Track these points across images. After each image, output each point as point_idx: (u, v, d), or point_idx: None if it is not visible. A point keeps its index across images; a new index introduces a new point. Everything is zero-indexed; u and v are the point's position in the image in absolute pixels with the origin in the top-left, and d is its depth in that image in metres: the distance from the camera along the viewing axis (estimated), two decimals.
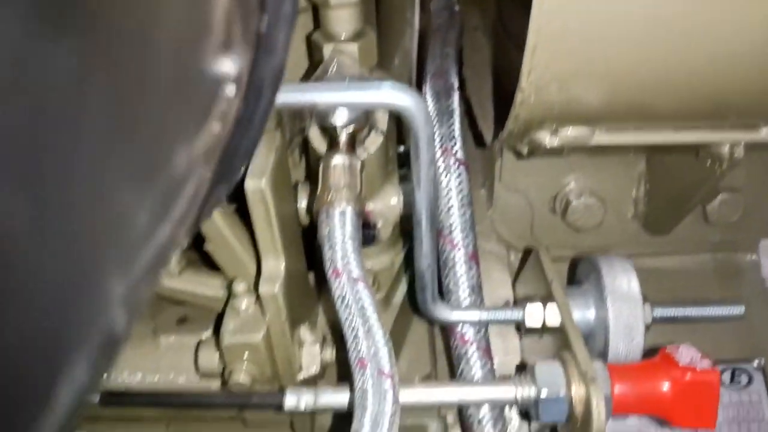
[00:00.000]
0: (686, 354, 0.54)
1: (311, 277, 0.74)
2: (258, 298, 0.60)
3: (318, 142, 0.60)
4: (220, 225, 0.61)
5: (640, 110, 0.54)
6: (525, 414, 0.62)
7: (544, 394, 0.52)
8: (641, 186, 0.79)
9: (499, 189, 0.81)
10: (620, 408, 0.54)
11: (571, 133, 0.55)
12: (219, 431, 0.74)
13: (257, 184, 0.53)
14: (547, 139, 0.55)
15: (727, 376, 0.78)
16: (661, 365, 0.54)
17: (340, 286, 0.54)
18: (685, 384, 0.52)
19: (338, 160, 0.57)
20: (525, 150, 0.62)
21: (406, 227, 0.77)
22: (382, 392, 0.48)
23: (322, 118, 0.56)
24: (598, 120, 0.55)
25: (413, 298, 0.79)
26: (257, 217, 0.55)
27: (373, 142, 0.61)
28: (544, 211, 0.81)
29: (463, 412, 0.65)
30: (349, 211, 0.55)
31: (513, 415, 0.68)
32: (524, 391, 0.54)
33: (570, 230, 0.79)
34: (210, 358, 0.63)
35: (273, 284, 0.57)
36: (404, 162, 0.71)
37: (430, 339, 0.80)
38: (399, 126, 0.70)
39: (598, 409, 0.49)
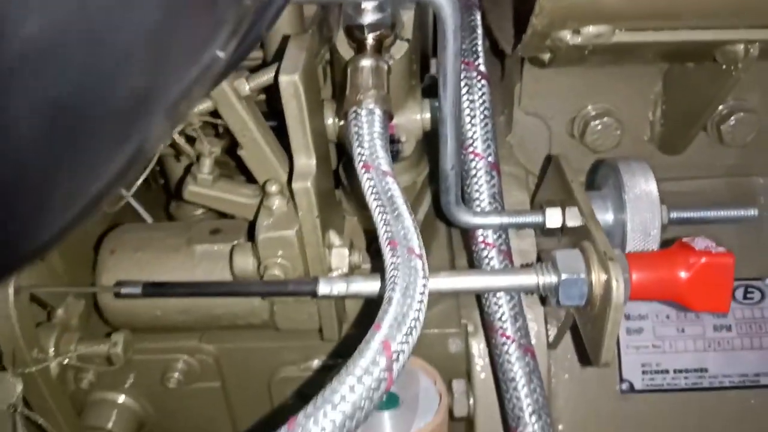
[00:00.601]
0: (702, 242, 0.56)
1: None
2: (290, 197, 0.63)
3: (345, 48, 0.62)
4: (254, 130, 0.64)
5: (659, 8, 0.56)
6: (544, 301, 0.65)
7: (564, 277, 0.55)
8: (657, 108, 0.81)
9: (518, 113, 0.83)
10: (637, 294, 0.56)
11: (592, 30, 0.57)
12: (251, 340, 0.77)
13: (291, 78, 0.56)
14: (568, 36, 0.57)
15: (740, 293, 0.81)
16: (677, 252, 0.56)
17: (370, 179, 0.56)
18: (701, 266, 0.55)
19: (366, 62, 0.59)
20: (546, 56, 0.64)
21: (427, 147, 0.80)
22: (412, 268, 0.50)
23: (349, 17, 0.59)
24: (619, 19, 0.57)
25: (437, 212, 0.82)
26: (290, 113, 0.58)
27: (399, 49, 0.63)
28: (563, 135, 0.83)
29: (484, 317, 0.68)
30: (378, 110, 0.57)
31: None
32: (545, 278, 0.57)
33: (587, 152, 0.81)
34: (244, 260, 0.66)
35: (305, 179, 0.60)
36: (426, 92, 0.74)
37: (450, 256, 0.83)
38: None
39: (618, 286, 0.51)
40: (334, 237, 0.67)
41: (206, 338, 0.78)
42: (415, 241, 0.52)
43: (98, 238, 0.77)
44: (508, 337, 0.64)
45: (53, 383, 0.68)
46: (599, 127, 0.80)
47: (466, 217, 0.66)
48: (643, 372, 0.78)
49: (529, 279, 0.57)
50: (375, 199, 0.55)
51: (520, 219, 0.66)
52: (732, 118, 0.79)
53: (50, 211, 0.29)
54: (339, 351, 0.78)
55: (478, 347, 0.75)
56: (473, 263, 0.71)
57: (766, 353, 0.78)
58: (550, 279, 0.56)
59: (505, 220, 0.66)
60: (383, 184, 0.56)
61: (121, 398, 0.79)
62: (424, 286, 0.50)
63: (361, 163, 0.58)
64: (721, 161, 0.84)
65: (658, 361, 0.78)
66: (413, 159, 0.78)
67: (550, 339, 0.75)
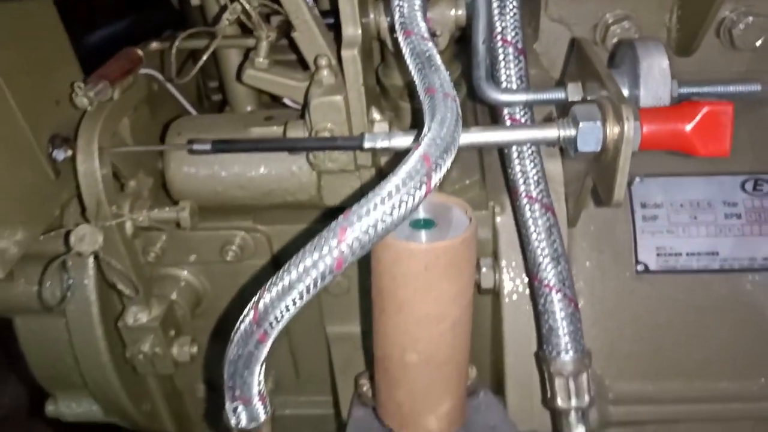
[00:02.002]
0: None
1: None
2: (338, 71, 0.71)
3: None
4: (306, 12, 0.72)
5: None
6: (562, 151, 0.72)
7: (582, 125, 0.62)
8: (673, 15, 0.88)
9: (544, 21, 0.90)
10: (647, 144, 0.63)
11: None
12: (299, 222, 0.86)
13: None
14: None
15: (750, 185, 0.87)
16: (683, 106, 0.63)
17: (410, 43, 0.64)
18: (704, 115, 0.61)
19: None
20: None
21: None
22: (449, 107, 0.58)
23: None
24: None
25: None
26: None
27: None
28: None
29: (510, 186, 0.76)
30: None
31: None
32: (565, 131, 0.64)
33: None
34: (297, 132, 0.75)
35: (352, 48, 0.68)
36: None
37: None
38: None
39: (629, 123, 0.59)
40: (375, 113, 0.75)
41: (259, 219, 0.87)
42: (451, 89, 0.60)
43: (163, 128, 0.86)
44: (531, 198, 0.71)
45: (128, 241, 0.77)
46: (618, 31, 0.87)
47: (495, 94, 0.73)
48: (658, 254, 0.85)
49: (550, 132, 0.64)
50: (414, 58, 0.63)
51: (545, 95, 0.73)
52: (742, 23, 0.86)
53: None
54: None
55: (504, 226, 0.82)
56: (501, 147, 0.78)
57: None
58: (569, 132, 0.64)
59: (531, 96, 0.73)
60: (422, 46, 0.63)
61: (184, 273, 0.89)
62: (458, 121, 0.57)
63: (403, 31, 0.66)
64: (734, 66, 0.90)
65: (671, 244, 0.85)
66: (446, 57, 0.85)
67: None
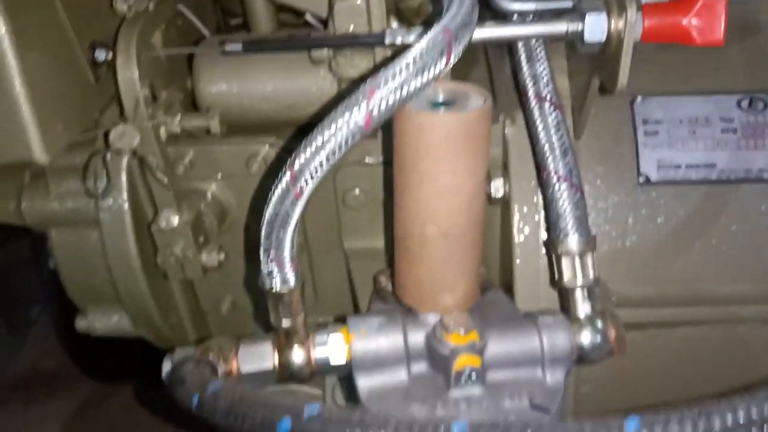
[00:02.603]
0: None
1: None
2: None
3: None
4: None
5: None
6: (571, 46, 0.77)
7: (588, 17, 0.67)
8: None
9: None
10: (648, 36, 0.68)
11: None
12: None
13: None
14: None
15: (746, 103, 0.92)
16: (681, 2, 0.68)
17: None
18: (700, 7, 0.67)
19: None
20: None
21: None
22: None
23: None
24: None
25: None
26: None
27: None
28: None
29: (519, 89, 0.81)
30: None
31: None
32: (572, 26, 0.69)
33: None
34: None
35: None
36: None
37: (489, 77, 0.96)
38: None
39: (631, 10, 0.64)
40: (393, 22, 0.80)
41: (282, 136, 0.92)
42: None
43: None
44: (540, 98, 0.76)
45: (162, 145, 0.82)
46: None
47: (505, 3, 0.79)
48: (659, 167, 0.90)
49: (559, 27, 0.70)
50: None
51: (554, 3, 0.78)
52: None
53: None
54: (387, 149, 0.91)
55: (514, 137, 0.88)
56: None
57: None
58: (577, 25, 0.69)
59: (541, 5, 0.78)
60: None
61: (211, 188, 0.94)
62: (474, 5, 0.62)
63: None
64: None
65: (672, 157, 0.90)
66: None
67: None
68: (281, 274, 0.65)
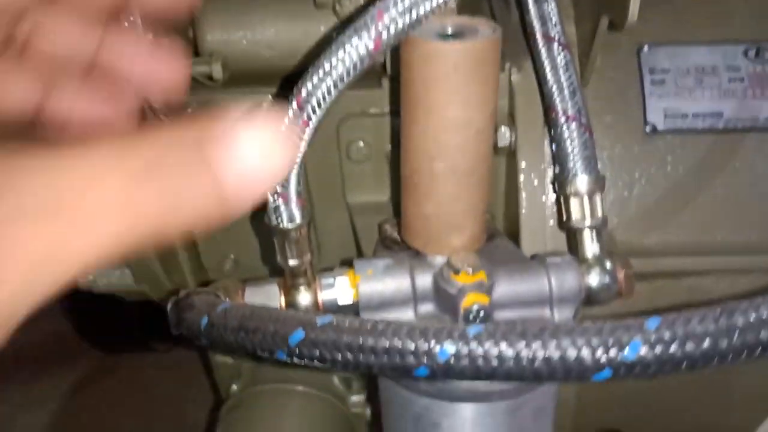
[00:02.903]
0: None
1: None
2: None
3: None
4: None
5: None
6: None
7: None
8: None
9: None
10: None
11: None
12: None
13: None
14: None
15: (752, 53, 0.91)
16: None
17: None
18: None
19: None
20: None
21: None
22: None
23: None
24: None
25: None
26: None
27: None
28: None
29: (526, 29, 0.80)
30: None
31: None
32: None
33: None
34: None
35: None
36: None
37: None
38: None
39: None
40: None
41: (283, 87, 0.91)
42: None
43: None
44: (548, 38, 0.75)
45: None
46: None
47: None
48: (666, 116, 0.89)
49: None
50: None
51: None
52: None
53: None
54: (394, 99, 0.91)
55: (520, 85, 0.87)
56: None
57: None
58: None
59: None
60: None
61: None
62: None
63: None
64: None
65: (678, 106, 0.89)
66: None
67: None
68: (287, 211, 0.64)
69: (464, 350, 0.39)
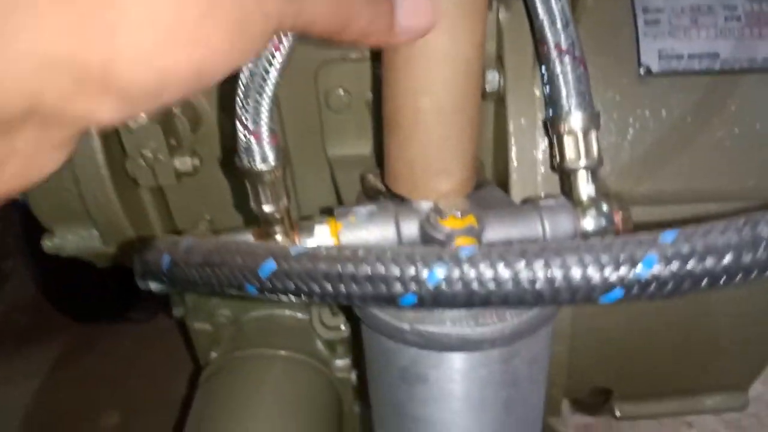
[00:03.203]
0: None
1: None
2: None
3: None
4: None
5: None
6: None
7: None
8: None
9: None
10: None
11: None
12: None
13: None
14: None
15: None
16: None
17: None
18: None
19: None
20: None
21: None
22: None
23: None
24: None
25: None
26: None
27: None
28: None
29: None
30: None
31: None
32: None
33: None
34: None
35: None
36: None
37: None
38: None
39: None
40: None
41: None
42: None
43: None
44: None
45: None
46: None
47: None
48: (660, 57, 0.85)
49: None
50: None
51: None
52: None
53: None
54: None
55: (508, 24, 0.82)
56: None
57: None
58: None
59: None
60: None
61: None
62: None
63: None
64: None
65: (673, 46, 0.85)
66: None
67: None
68: (260, 150, 0.59)
69: (456, 273, 0.34)
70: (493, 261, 0.35)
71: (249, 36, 0.30)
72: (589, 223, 0.67)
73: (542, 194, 0.81)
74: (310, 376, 0.99)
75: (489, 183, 0.79)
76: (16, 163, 0.27)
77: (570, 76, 0.67)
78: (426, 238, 0.64)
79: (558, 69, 0.68)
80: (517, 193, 0.81)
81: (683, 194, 0.85)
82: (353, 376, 1.04)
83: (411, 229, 0.66)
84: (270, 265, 0.37)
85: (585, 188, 0.68)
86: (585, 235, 0.67)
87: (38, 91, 0.25)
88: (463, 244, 0.60)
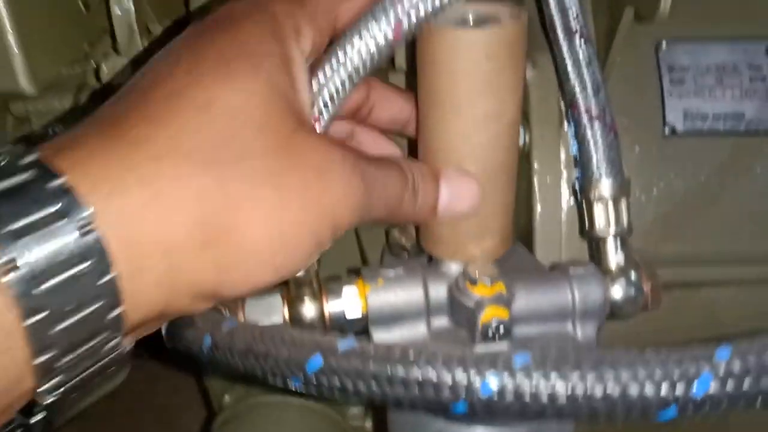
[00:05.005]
0: None
1: None
2: None
3: None
4: None
5: None
6: None
7: None
8: None
9: None
10: None
11: None
12: None
13: None
14: None
15: None
16: None
17: None
18: None
19: None
20: None
21: None
22: None
23: None
24: None
25: None
26: None
27: None
28: None
29: (545, 22, 0.75)
30: None
31: None
32: None
33: None
34: None
35: None
36: None
37: None
38: None
39: None
40: None
41: None
42: None
43: None
44: (570, 31, 0.70)
45: None
46: None
47: None
48: (685, 117, 0.85)
49: None
50: None
51: None
52: None
53: None
54: None
55: (535, 81, 0.82)
56: None
57: None
58: None
59: None
60: None
61: None
62: None
63: None
64: None
65: (698, 107, 0.85)
66: None
67: None
68: None
69: (510, 384, 0.34)
70: (548, 372, 0.34)
71: (321, 246, 0.45)
72: (617, 291, 0.66)
73: (566, 255, 0.80)
74: (323, 425, 0.98)
75: (514, 241, 0.78)
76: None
77: (600, 143, 0.67)
78: (454, 304, 0.64)
79: (588, 134, 0.68)
80: (540, 253, 0.80)
81: (707, 256, 0.84)
82: (368, 424, 1.02)
83: (439, 293, 0.65)
84: (317, 361, 0.36)
85: (614, 256, 0.67)
86: (613, 305, 0.66)
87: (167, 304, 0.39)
88: (495, 316, 0.60)
